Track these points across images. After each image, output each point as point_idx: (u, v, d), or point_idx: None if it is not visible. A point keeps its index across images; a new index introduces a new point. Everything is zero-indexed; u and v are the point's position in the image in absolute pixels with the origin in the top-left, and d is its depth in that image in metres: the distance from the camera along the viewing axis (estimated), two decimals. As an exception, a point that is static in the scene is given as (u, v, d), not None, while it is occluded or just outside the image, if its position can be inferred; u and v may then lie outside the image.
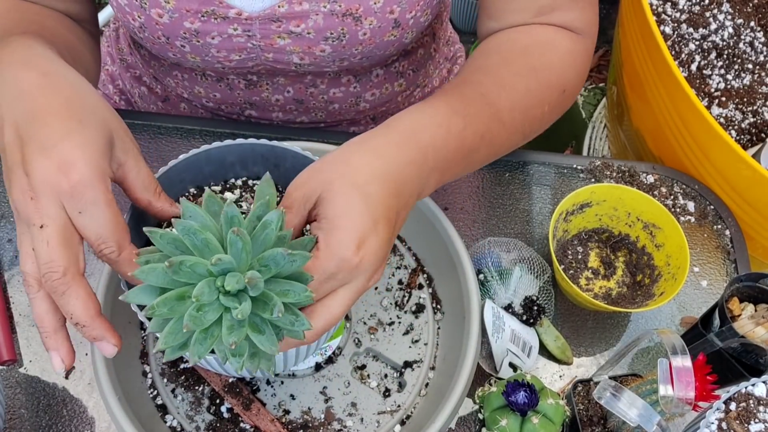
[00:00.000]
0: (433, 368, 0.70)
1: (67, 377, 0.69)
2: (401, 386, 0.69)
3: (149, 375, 0.68)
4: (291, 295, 0.47)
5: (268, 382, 0.68)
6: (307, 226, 0.54)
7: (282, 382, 0.68)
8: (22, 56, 0.54)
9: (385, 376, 0.70)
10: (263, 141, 0.61)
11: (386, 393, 0.69)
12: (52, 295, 0.48)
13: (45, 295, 0.49)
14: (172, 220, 0.46)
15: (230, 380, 0.66)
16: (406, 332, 0.72)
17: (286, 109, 0.85)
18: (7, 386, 0.68)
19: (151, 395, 0.67)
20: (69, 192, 0.47)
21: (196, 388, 0.67)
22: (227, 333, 0.45)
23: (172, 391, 0.67)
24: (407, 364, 0.70)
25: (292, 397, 0.68)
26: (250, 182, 0.63)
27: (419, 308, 0.73)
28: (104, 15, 1.67)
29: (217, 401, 0.66)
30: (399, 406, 0.68)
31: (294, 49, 0.72)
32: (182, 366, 0.68)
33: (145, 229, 0.46)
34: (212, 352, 0.48)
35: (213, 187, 0.63)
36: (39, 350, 0.70)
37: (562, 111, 0.72)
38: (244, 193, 0.62)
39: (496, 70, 0.67)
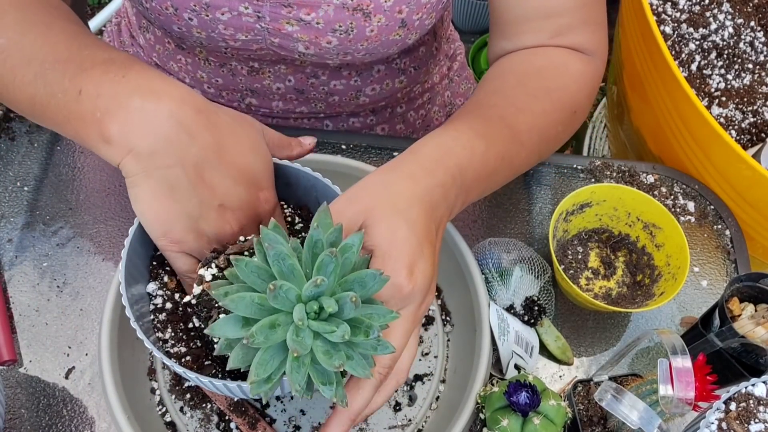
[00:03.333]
0: (443, 381, 0.70)
1: (67, 377, 0.69)
2: (412, 400, 0.69)
3: (157, 392, 0.67)
4: (376, 318, 0.46)
5: (278, 398, 0.67)
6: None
7: (292, 398, 0.68)
8: (161, 89, 0.53)
9: (395, 389, 0.69)
10: (274, 160, 0.61)
11: (397, 407, 0.68)
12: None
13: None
14: (256, 245, 0.47)
15: (236, 399, 0.65)
16: (416, 345, 0.71)
17: (287, 98, 0.85)
18: (7, 386, 0.68)
19: (159, 412, 0.66)
20: (269, 214, 0.58)
21: (204, 405, 0.66)
22: (326, 357, 0.44)
23: (181, 408, 0.67)
24: (417, 378, 0.70)
25: (302, 412, 0.67)
26: None
27: (428, 320, 0.72)
28: (103, 15, 1.67)
29: (227, 418, 0.66)
30: (410, 420, 0.68)
31: (301, 37, 0.72)
32: (188, 384, 0.67)
33: (231, 257, 0.47)
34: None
35: None
36: (39, 350, 0.70)
37: (573, 131, 0.73)
38: None
39: (512, 92, 0.68)
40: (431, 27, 0.87)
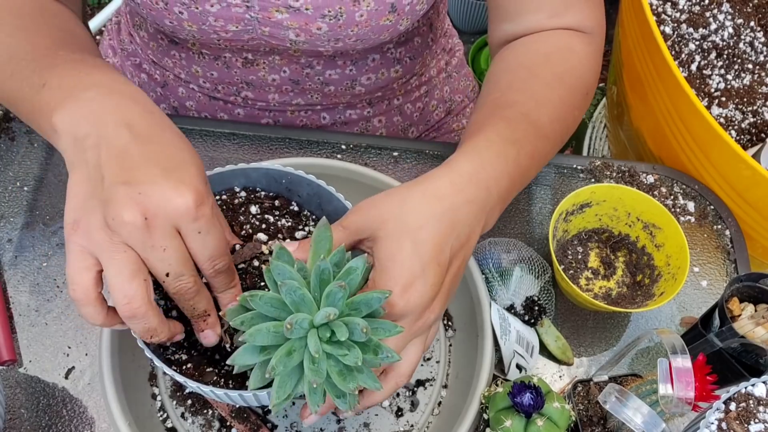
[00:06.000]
0: (445, 386, 0.70)
1: (67, 377, 0.69)
2: (414, 405, 0.69)
3: (158, 397, 0.67)
4: (381, 332, 0.48)
5: None
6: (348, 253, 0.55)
7: (293, 403, 0.67)
8: (120, 88, 0.52)
9: (397, 395, 0.69)
10: (277, 166, 0.61)
11: (399, 412, 0.68)
12: (184, 300, 0.51)
13: (155, 311, 0.50)
14: (266, 273, 0.48)
15: (237, 405, 0.65)
16: (418, 350, 0.71)
17: (282, 90, 0.85)
18: (7, 386, 0.68)
19: (161, 418, 0.66)
20: (193, 216, 0.49)
21: (206, 411, 0.66)
22: (340, 379, 0.47)
23: (182, 414, 0.66)
24: (419, 383, 0.70)
25: None
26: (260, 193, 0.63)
27: None
28: (104, 15, 1.67)
29: (228, 424, 0.66)
30: (412, 426, 0.68)
31: (291, 24, 0.72)
32: (189, 390, 0.67)
33: (246, 295, 0.48)
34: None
35: (223, 196, 0.62)
36: (39, 350, 0.70)
37: (584, 112, 0.73)
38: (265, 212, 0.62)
39: (527, 85, 0.68)
40: (426, 16, 0.88)
